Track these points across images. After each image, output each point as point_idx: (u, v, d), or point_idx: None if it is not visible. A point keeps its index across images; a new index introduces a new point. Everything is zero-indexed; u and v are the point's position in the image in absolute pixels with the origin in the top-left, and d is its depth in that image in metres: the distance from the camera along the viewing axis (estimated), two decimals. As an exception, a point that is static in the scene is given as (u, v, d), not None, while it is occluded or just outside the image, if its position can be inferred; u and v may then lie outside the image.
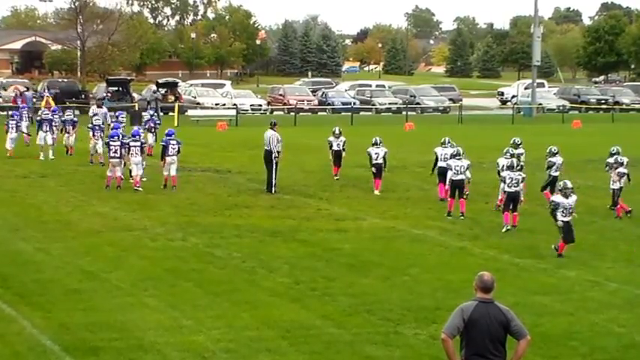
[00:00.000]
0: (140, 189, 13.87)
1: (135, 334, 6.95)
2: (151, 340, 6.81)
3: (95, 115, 18.54)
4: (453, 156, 12.31)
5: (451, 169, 12.09)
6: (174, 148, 14.10)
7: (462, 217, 12.05)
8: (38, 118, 18.12)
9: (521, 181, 11.45)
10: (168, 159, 14.03)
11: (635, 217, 12.57)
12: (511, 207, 11.39)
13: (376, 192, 14.20)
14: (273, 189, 13.98)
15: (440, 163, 13.34)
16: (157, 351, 6.61)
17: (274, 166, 13.97)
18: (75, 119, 18.79)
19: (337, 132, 15.76)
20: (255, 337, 6.95)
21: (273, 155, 13.91)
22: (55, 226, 11.19)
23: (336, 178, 15.64)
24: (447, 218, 12.06)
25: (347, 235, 10.87)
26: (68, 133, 18.21)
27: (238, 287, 8.39)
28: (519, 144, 13.89)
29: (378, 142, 14.29)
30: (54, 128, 17.86)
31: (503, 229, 11.32)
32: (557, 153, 13.37)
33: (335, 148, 15.64)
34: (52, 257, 9.52)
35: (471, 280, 5.10)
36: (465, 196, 12.24)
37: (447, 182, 12.30)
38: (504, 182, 11.49)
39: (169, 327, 7.14)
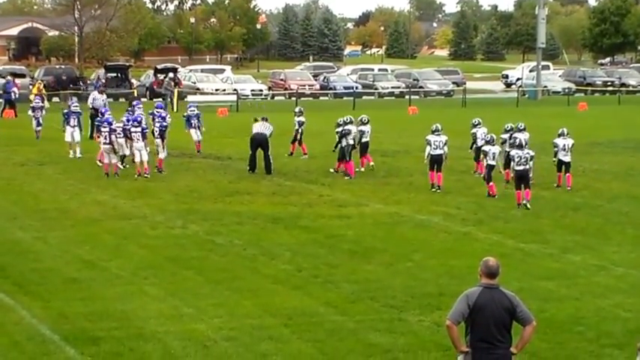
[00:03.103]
0: (148, 175, 13.77)
1: (135, 323, 6.88)
2: (152, 329, 6.74)
3: (94, 99, 18.18)
4: (432, 132, 12.89)
5: (430, 145, 12.74)
6: (137, 133, 13.75)
7: (439, 190, 12.70)
8: (65, 110, 16.66)
9: (530, 159, 11.66)
10: (137, 144, 13.77)
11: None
12: (522, 185, 11.55)
13: (362, 169, 14.81)
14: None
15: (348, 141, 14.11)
16: (157, 340, 6.53)
17: (269, 149, 14.28)
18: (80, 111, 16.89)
19: (298, 111, 16.63)
20: (257, 324, 6.87)
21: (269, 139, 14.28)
22: (53, 214, 11.09)
23: (305, 155, 16.33)
24: (432, 190, 12.72)
25: (349, 222, 10.78)
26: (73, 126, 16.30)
27: (240, 275, 8.30)
28: (477, 124, 14.52)
29: (367, 120, 15.03)
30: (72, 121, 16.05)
31: (517, 207, 11.47)
32: (510, 130, 13.63)
33: (296, 127, 16.46)
34: (51, 246, 9.44)
35: (475, 265, 5.01)
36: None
37: (426, 157, 12.91)
38: (513, 161, 11.67)
39: (170, 316, 7.07)
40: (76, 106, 16.54)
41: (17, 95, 25.30)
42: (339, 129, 14.36)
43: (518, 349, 4.83)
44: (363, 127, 14.78)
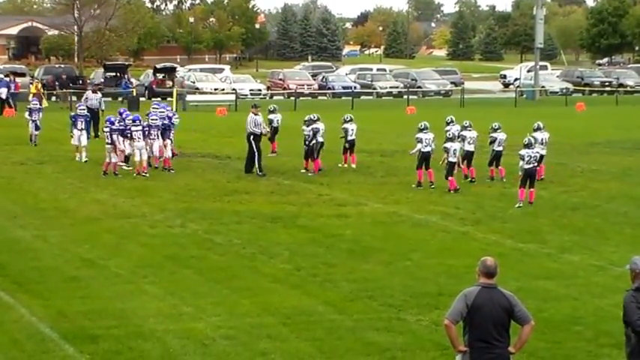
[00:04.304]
0: (146, 174, 13.80)
1: (134, 322, 6.90)
2: (151, 328, 6.76)
3: (87, 99, 18.01)
4: (420, 130, 13.14)
5: (421, 142, 12.98)
6: (138, 132, 13.82)
7: (433, 187, 12.87)
8: (72, 114, 16.29)
9: (539, 158, 12.02)
10: (137, 144, 13.85)
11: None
12: (528, 183, 11.71)
13: (353, 165, 14.99)
14: (260, 170, 14.23)
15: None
16: (156, 338, 6.55)
17: (254, 147, 14.25)
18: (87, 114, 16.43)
19: (272, 109, 16.75)
20: (255, 323, 6.89)
21: (251, 137, 14.27)
22: (52, 213, 11.11)
23: (273, 154, 16.33)
24: (419, 189, 12.87)
25: (348, 221, 10.80)
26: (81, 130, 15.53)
27: (238, 274, 8.32)
28: (449, 122, 14.73)
29: (350, 118, 15.28)
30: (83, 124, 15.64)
31: (517, 205, 11.58)
32: (498, 129, 13.83)
33: (274, 124, 16.53)
34: (50, 245, 9.45)
35: (473, 265, 5.02)
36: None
37: (415, 152, 13.14)
38: (523, 159, 11.82)
39: (169, 314, 7.09)
40: (83, 109, 16.14)
41: (4, 96, 24.79)
42: (308, 127, 14.32)
43: (517, 349, 4.84)
44: (347, 125, 14.95)
